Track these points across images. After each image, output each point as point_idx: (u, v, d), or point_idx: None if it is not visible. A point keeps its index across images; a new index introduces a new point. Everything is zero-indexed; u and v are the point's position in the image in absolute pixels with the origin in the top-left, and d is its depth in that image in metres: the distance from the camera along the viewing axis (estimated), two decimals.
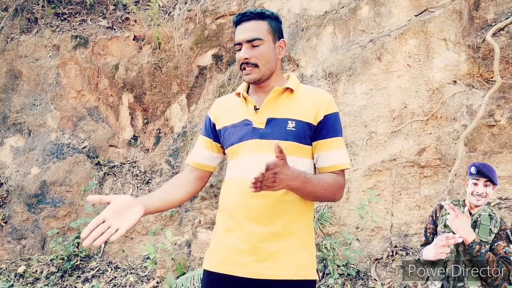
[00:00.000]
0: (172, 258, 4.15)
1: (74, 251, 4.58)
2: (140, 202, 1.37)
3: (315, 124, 1.47)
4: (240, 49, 1.49)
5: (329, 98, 1.52)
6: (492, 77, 3.78)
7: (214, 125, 1.62)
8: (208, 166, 1.65)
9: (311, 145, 1.49)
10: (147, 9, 5.32)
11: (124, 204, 1.30)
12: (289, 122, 1.45)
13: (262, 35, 1.47)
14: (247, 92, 1.59)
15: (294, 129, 1.44)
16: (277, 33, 1.53)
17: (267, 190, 1.23)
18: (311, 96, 1.52)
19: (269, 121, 1.46)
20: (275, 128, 1.45)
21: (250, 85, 1.59)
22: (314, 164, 1.54)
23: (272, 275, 1.39)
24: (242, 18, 1.50)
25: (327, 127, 1.47)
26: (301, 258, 1.43)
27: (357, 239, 3.92)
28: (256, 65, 1.47)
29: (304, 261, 1.44)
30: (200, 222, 4.32)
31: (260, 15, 1.50)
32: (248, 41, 1.46)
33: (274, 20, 1.53)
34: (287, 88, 1.51)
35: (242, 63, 1.48)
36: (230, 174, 1.55)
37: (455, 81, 3.89)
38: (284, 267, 1.40)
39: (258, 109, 1.50)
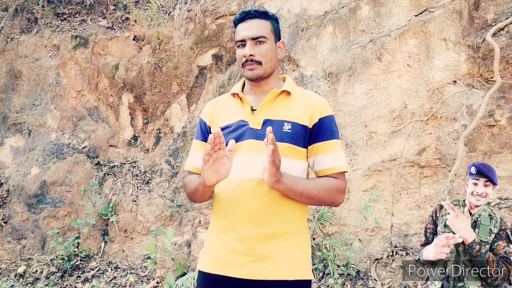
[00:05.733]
0: (172, 258, 4.14)
1: (74, 251, 4.58)
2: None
3: (310, 126, 1.48)
4: (242, 46, 1.49)
5: (324, 101, 1.54)
6: (492, 77, 3.78)
7: (209, 128, 1.61)
8: None
9: (307, 148, 1.49)
10: (146, 9, 5.32)
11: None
12: (285, 124, 1.46)
13: (266, 33, 1.49)
14: (242, 92, 1.59)
15: (290, 131, 1.45)
16: (278, 34, 1.56)
17: (275, 170, 1.29)
18: (306, 99, 1.53)
19: (266, 122, 1.47)
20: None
21: (246, 85, 1.60)
22: (311, 168, 1.53)
23: (268, 275, 1.39)
24: (246, 16, 1.50)
25: (322, 130, 1.48)
26: (296, 258, 1.44)
27: (359, 239, 3.92)
28: (259, 63, 1.47)
29: (299, 261, 1.44)
30: (200, 222, 4.32)
31: (264, 15, 1.52)
32: (253, 38, 1.47)
33: (275, 21, 1.56)
34: (284, 91, 1.52)
35: (246, 60, 1.47)
36: None
37: (455, 81, 3.89)
38: (280, 267, 1.40)
39: (254, 110, 1.50)
